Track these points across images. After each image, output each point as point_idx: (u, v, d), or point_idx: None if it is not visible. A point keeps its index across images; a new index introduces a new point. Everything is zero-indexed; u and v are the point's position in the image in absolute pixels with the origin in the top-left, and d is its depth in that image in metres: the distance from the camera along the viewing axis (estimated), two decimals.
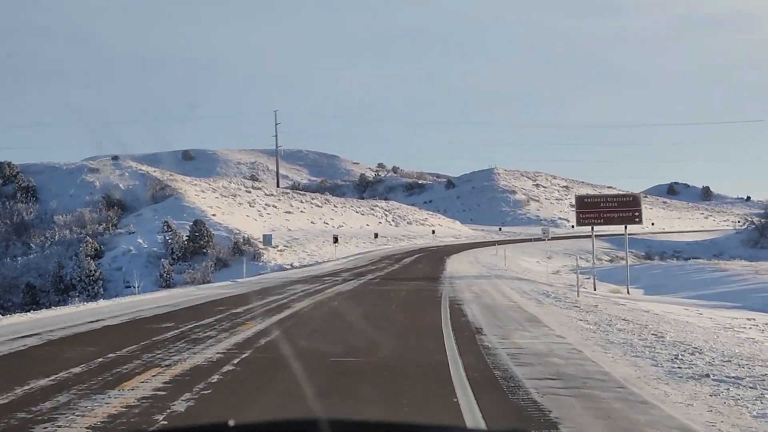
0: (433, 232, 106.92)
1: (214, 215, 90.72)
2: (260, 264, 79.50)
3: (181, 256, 78.58)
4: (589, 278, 53.21)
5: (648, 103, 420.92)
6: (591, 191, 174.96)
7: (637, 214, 31.70)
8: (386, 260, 61.10)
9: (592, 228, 33.56)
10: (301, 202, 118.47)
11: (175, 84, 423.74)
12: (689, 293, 33.45)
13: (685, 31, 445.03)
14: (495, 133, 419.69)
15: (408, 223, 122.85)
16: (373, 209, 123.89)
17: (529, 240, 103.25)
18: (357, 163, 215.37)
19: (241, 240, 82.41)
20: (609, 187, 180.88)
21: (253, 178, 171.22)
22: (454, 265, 52.01)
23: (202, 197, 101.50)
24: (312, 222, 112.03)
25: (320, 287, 33.88)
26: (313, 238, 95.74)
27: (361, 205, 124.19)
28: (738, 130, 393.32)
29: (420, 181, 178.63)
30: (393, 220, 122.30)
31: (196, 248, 79.48)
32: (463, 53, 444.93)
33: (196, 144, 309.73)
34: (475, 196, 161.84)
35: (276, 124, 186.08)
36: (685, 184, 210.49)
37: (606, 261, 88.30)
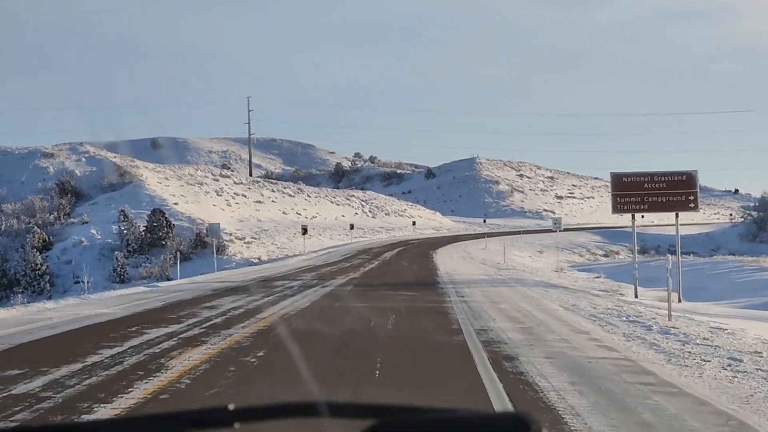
0: (414, 223, 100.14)
1: (176, 204, 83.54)
2: (224, 258, 72.66)
3: (137, 249, 71.44)
4: (600, 276, 46.58)
5: (633, 95, 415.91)
6: (576, 182, 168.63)
7: (692, 198, 24.70)
8: (363, 255, 54.03)
9: (633, 216, 26.47)
10: (273, 191, 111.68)
11: (145, 70, 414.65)
12: (746, 300, 26.69)
13: (667, 23, 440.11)
14: (477, 122, 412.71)
15: (386, 214, 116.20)
16: (349, 199, 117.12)
17: (517, 233, 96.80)
18: (333, 153, 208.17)
19: (205, 231, 75.34)
20: (595, 179, 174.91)
21: (225, 167, 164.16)
22: (446, 261, 44.41)
23: (165, 185, 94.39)
24: (284, 212, 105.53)
25: (259, 303, 22.87)
26: (284, 230, 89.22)
27: (336, 194, 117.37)
28: (725, 122, 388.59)
29: (398, 171, 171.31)
30: (370, 211, 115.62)
31: (155, 240, 72.34)
32: (445, 44, 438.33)
33: (167, 132, 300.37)
34: (456, 186, 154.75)
35: (249, 111, 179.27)
36: None
37: (600, 256, 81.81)
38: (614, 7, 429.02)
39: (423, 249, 59.91)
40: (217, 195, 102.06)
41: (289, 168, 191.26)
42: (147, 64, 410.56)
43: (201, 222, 79.18)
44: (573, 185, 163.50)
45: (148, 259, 70.39)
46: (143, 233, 72.48)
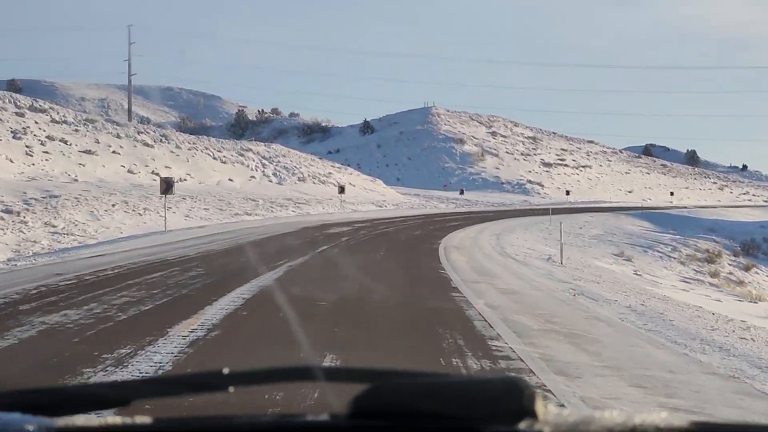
0: (342, 190, 59.16)
1: None
2: None
3: None
4: None
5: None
6: (566, 145, 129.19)
7: None
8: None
9: None
10: (117, 136, 71.05)
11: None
12: None
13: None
14: (432, 69, 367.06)
15: (300, 179, 76.10)
16: (243, 155, 76.66)
17: (522, 212, 57.34)
18: (244, 107, 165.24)
19: None
20: (590, 141, 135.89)
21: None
22: None
23: None
24: (130, 170, 65.74)
25: None
26: (104, 197, 50.36)
27: (223, 147, 76.69)
28: (724, 93, 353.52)
29: (323, 124, 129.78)
30: (275, 174, 75.38)
31: None
32: None
33: (31, 74, 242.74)
34: (404, 145, 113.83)
35: (130, 44, 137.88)
36: (665, 146, 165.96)
37: (702, 260, 42.34)
38: None
39: (393, 272, 18.70)
40: (14, 137, 62.04)
41: (190, 125, 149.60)
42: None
43: None
44: (562, 149, 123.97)
45: None
46: None
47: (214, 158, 73.54)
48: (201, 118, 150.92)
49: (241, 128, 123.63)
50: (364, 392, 1.38)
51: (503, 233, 34.19)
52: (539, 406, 1.33)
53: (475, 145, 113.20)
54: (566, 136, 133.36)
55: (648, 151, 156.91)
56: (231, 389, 1.52)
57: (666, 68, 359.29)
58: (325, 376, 1.54)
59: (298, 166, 78.72)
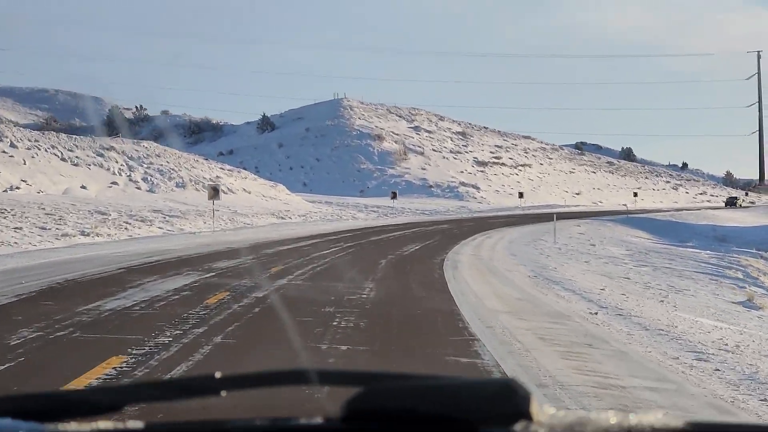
0: (215, 193, 41.95)
1: None
2: None
3: None
4: None
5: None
6: (500, 141, 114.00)
7: None
8: None
9: None
10: None
11: None
12: None
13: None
14: (341, 61, 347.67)
15: (179, 185, 59.62)
16: (103, 155, 59.56)
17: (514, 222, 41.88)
18: (128, 109, 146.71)
19: None
20: (526, 137, 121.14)
21: None
22: None
23: None
24: None
25: None
26: None
27: (76, 145, 59.56)
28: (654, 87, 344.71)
29: (214, 122, 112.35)
30: (146, 179, 58.70)
31: None
32: None
33: None
34: (310, 144, 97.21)
35: None
36: (596, 144, 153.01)
37: None
38: None
39: None
40: None
41: (56, 125, 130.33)
42: None
43: None
44: (497, 146, 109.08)
45: None
46: None
47: (63, 159, 56.34)
48: (72, 119, 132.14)
49: (115, 128, 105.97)
50: (358, 395, 1.36)
51: (545, 271, 18.41)
52: (534, 408, 1.30)
53: (395, 141, 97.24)
54: (499, 132, 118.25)
55: (580, 148, 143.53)
56: (223, 393, 1.50)
57: (594, 57, 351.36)
58: (318, 379, 1.51)
59: (176, 169, 61.80)
